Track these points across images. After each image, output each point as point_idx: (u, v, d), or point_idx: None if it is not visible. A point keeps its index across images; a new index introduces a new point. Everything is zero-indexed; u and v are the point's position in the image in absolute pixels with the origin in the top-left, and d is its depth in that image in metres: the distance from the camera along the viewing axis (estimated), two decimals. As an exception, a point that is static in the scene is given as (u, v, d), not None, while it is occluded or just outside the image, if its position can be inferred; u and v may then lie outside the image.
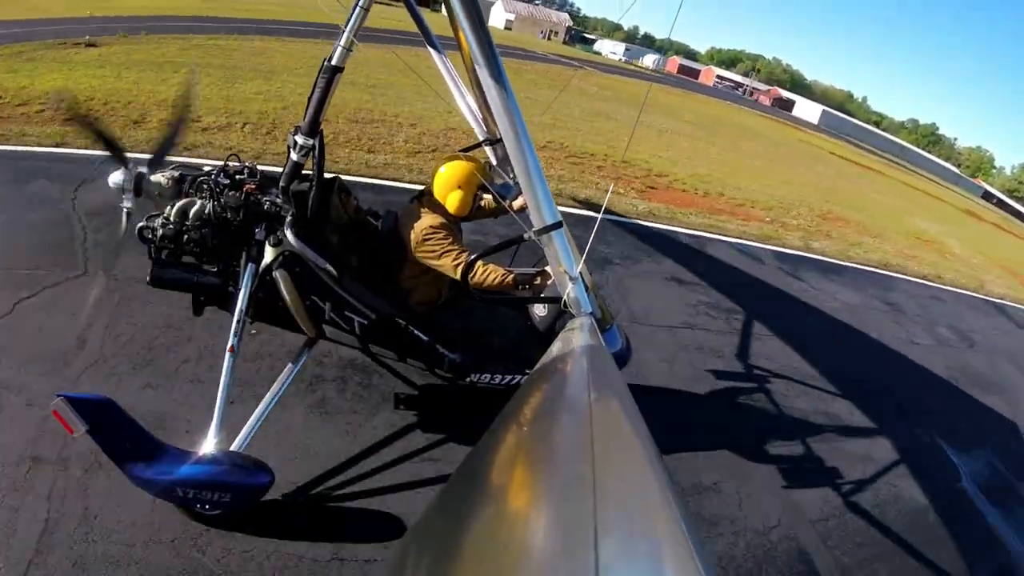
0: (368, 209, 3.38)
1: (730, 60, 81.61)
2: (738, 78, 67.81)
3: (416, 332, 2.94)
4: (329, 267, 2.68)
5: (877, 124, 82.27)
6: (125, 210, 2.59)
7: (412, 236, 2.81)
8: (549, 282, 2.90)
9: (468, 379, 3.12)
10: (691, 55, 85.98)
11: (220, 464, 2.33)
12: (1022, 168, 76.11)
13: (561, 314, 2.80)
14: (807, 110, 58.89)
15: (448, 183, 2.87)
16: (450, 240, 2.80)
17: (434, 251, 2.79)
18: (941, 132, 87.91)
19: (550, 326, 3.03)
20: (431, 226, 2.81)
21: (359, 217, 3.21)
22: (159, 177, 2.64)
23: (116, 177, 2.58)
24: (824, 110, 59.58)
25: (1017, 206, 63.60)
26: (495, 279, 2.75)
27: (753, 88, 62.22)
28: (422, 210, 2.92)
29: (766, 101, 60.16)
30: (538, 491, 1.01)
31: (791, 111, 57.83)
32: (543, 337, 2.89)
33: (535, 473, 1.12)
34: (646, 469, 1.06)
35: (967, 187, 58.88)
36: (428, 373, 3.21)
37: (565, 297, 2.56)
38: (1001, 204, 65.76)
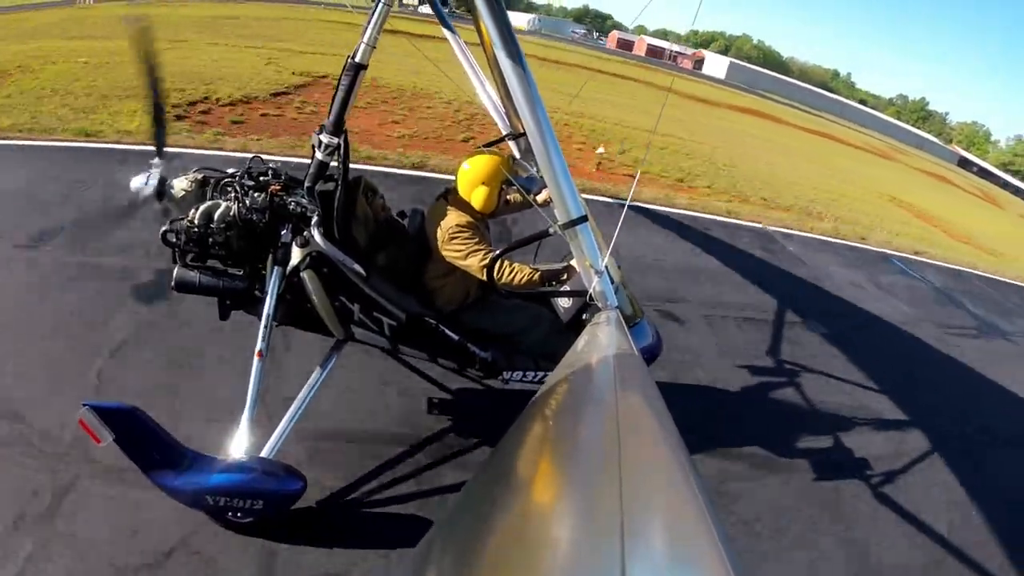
0: (396, 209, 3.37)
1: (706, 40, 78.08)
2: (664, 44, 69.48)
3: (446, 332, 2.96)
4: (357, 267, 2.69)
5: (863, 103, 78.51)
6: (142, 199, 2.61)
7: (439, 235, 2.82)
8: (574, 276, 2.88)
9: (500, 377, 3.15)
10: (663, 35, 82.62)
11: (251, 471, 2.30)
12: (1018, 140, 71.46)
13: (586, 306, 2.82)
14: (715, 66, 59.45)
15: (473, 179, 2.87)
16: (476, 240, 2.82)
17: (460, 251, 2.81)
18: (932, 108, 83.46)
19: (574, 318, 2.98)
20: (457, 225, 2.82)
21: (386, 216, 3.18)
22: (182, 181, 2.68)
23: (138, 181, 2.62)
24: (731, 62, 59.52)
25: (1009, 178, 59.59)
26: (521, 278, 2.79)
27: (676, 53, 64.39)
28: (448, 208, 2.93)
29: (688, 64, 61.94)
30: (564, 488, 1.01)
31: (701, 70, 59.33)
32: (573, 333, 2.76)
33: (561, 470, 1.11)
34: (674, 467, 1.05)
35: (939, 154, 58.40)
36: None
37: (591, 291, 2.59)
38: (985, 174, 61.83)
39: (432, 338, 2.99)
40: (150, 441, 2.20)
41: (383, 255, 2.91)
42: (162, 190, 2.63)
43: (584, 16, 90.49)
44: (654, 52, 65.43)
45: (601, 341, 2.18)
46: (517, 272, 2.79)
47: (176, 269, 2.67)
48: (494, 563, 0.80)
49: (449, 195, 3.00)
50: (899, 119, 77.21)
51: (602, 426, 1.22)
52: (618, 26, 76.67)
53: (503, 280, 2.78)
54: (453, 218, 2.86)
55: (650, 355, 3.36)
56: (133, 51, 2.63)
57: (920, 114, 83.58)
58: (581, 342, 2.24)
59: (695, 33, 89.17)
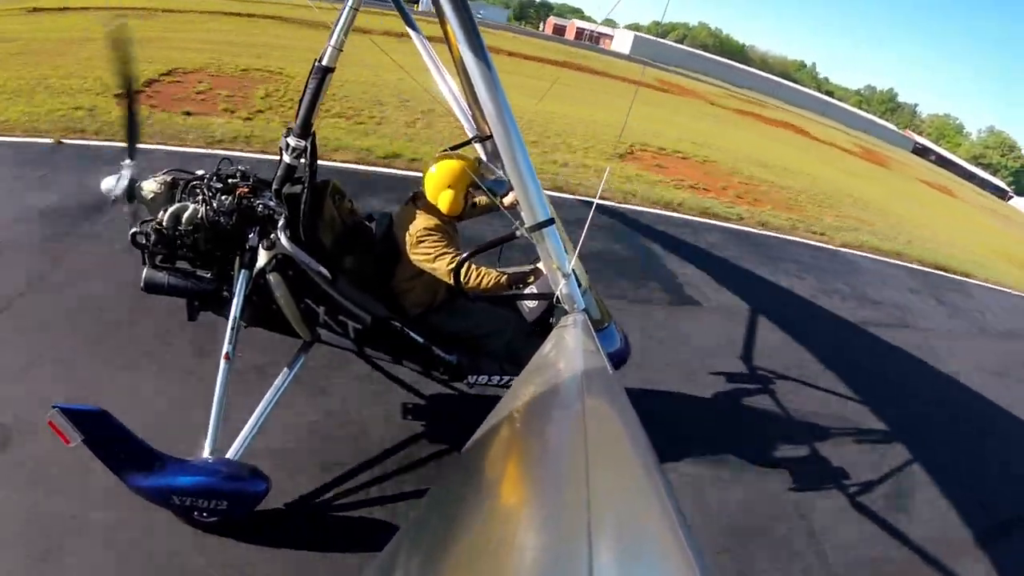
0: (363, 212, 3.41)
1: (665, 31, 73.90)
2: (587, 26, 71.30)
3: (412, 335, 3.00)
4: (323, 270, 2.73)
5: (830, 94, 73.74)
6: (113, 199, 2.67)
7: (407, 239, 2.87)
8: (541, 278, 2.97)
9: (466, 380, 3.18)
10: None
11: (216, 472, 2.37)
12: (989, 133, 66.73)
13: (552, 308, 2.90)
14: (622, 42, 59.56)
15: (439, 183, 2.89)
16: (444, 243, 2.85)
17: (428, 254, 2.84)
18: (902, 101, 78.96)
19: (539, 319, 3.09)
20: (425, 228, 2.87)
21: (353, 220, 3.22)
22: (151, 183, 2.71)
23: (108, 183, 2.65)
24: (636, 36, 58.88)
25: (977, 170, 55.01)
26: (488, 281, 2.84)
27: (600, 34, 65.04)
28: (417, 212, 2.97)
29: (608, 44, 62.55)
30: (532, 490, 1.03)
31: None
32: (540, 336, 2.80)
33: (529, 472, 1.14)
34: (640, 468, 1.07)
35: (890, 139, 57.36)
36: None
37: (558, 293, 2.63)
38: (944, 162, 57.21)
39: (397, 341, 3.02)
40: (119, 442, 2.24)
41: (350, 258, 2.94)
42: (132, 191, 2.66)
43: (529, 5, 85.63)
44: (579, 35, 66.91)
45: (568, 344, 2.22)
46: (484, 276, 2.84)
47: (145, 270, 2.71)
48: (464, 565, 0.81)
49: (417, 199, 3.03)
50: (861, 109, 72.02)
51: (569, 430, 1.25)
52: (560, 13, 72.53)
53: (470, 283, 2.82)
54: (421, 221, 2.90)
55: (619, 359, 3.41)
56: (110, 52, 2.63)
57: (888, 105, 79.30)
58: (548, 345, 2.29)
59: (656, 24, 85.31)
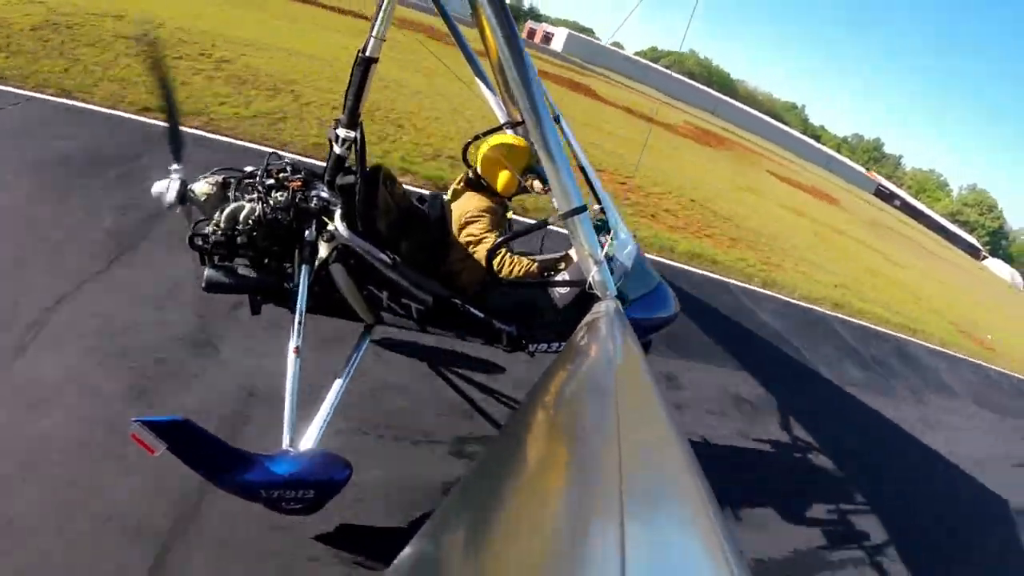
0: (415, 195, 3.51)
1: (656, 57, 74.01)
2: (541, 26, 68.83)
3: (472, 311, 3.05)
4: (384, 256, 2.79)
5: (817, 138, 73.37)
6: (168, 206, 2.70)
7: (456, 219, 2.99)
8: (572, 265, 3.06)
9: (527, 350, 3.29)
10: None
11: (300, 463, 2.42)
12: (971, 190, 66.24)
13: (584, 294, 2.92)
14: (559, 40, 58.61)
15: (497, 162, 3.02)
16: (489, 227, 2.96)
17: (473, 236, 2.96)
18: (888, 151, 78.87)
19: (571, 304, 3.08)
20: (475, 209, 2.99)
21: (406, 203, 3.30)
22: (202, 184, 2.76)
23: (159, 186, 2.69)
24: (569, 34, 58.10)
25: (953, 227, 54.54)
26: (519, 269, 2.92)
27: (551, 34, 63.14)
28: (468, 192, 3.12)
29: (542, 40, 62.42)
30: (565, 478, 1.04)
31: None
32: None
33: (561, 459, 1.15)
34: (674, 456, 1.07)
35: (848, 176, 57.12)
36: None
37: (590, 280, 2.73)
38: (913, 212, 56.67)
39: (459, 318, 3.07)
40: (202, 446, 2.30)
41: (406, 242, 3.01)
42: (184, 194, 2.70)
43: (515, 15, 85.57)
44: (531, 35, 66.41)
45: (601, 331, 2.23)
46: (515, 264, 2.92)
47: (205, 271, 2.76)
48: (498, 546, 0.82)
49: (469, 179, 3.16)
50: (844, 155, 71.61)
51: (601, 416, 1.26)
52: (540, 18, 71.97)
53: (503, 271, 2.91)
54: (471, 203, 3.02)
55: (671, 318, 3.60)
56: (145, 66, 2.80)
57: (873, 154, 78.79)
58: (580, 332, 2.32)
59: (654, 49, 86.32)
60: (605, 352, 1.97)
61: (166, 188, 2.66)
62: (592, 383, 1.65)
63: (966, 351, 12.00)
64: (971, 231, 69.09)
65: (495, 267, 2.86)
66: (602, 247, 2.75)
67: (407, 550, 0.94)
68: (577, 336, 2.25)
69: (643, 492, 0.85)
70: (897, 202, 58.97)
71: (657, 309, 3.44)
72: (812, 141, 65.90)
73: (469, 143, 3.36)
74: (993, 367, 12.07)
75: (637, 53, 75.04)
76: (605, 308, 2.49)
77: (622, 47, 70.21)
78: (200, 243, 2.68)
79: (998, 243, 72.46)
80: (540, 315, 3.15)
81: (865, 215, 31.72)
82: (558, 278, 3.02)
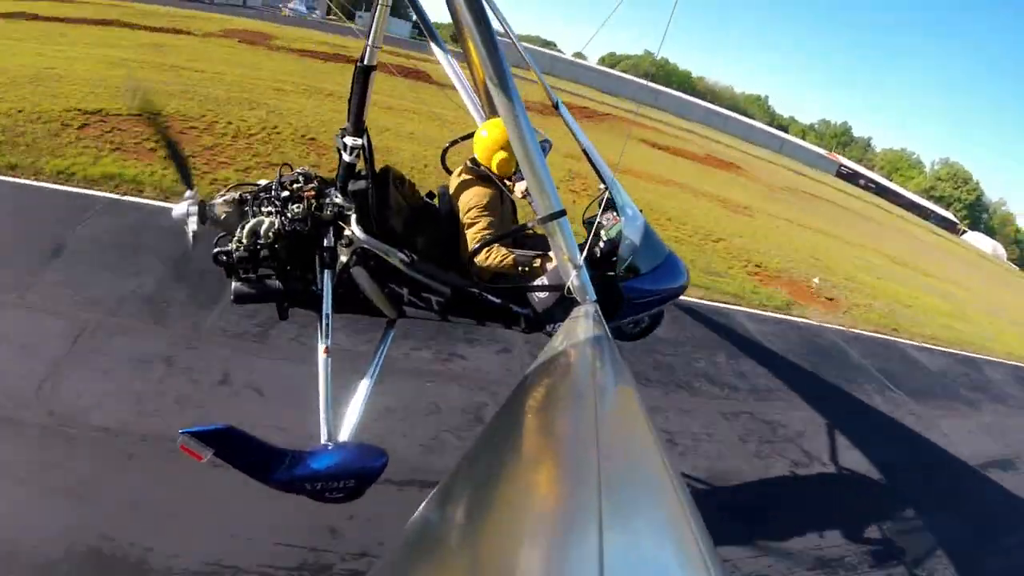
0: (425, 191, 3.64)
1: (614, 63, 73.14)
2: None
3: (489, 298, 3.16)
4: (401, 255, 2.90)
5: (784, 128, 71.59)
6: (191, 234, 2.82)
7: (461, 210, 3.09)
8: (549, 266, 3.16)
9: (544, 331, 3.36)
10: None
11: (340, 456, 2.56)
12: (943, 165, 63.34)
13: (562, 299, 3.02)
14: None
15: (491, 144, 3.09)
16: (489, 217, 3.07)
17: (467, 225, 3.07)
18: (859, 134, 76.49)
19: (549, 309, 3.24)
20: (474, 198, 3.09)
21: (417, 201, 3.43)
22: (220, 202, 2.88)
23: (179, 210, 2.80)
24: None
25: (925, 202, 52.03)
26: (498, 260, 3.05)
27: None
28: (466, 180, 3.18)
29: None
30: (543, 482, 1.04)
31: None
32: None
33: (540, 464, 1.15)
34: (651, 459, 1.09)
35: (808, 160, 54.29)
36: None
37: (569, 284, 2.77)
38: (879, 189, 53.84)
39: (477, 305, 3.18)
40: (246, 450, 2.41)
41: (421, 238, 3.10)
42: (204, 213, 2.82)
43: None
44: None
45: (579, 335, 2.27)
46: (495, 254, 3.04)
47: (233, 284, 2.89)
48: (476, 549, 0.82)
49: (469, 167, 3.23)
50: (811, 141, 69.26)
51: (581, 421, 1.25)
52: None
53: (486, 263, 3.05)
54: (473, 190, 3.12)
55: (683, 287, 3.75)
56: (138, 112, 2.98)
57: (841, 139, 76.35)
58: (559, 337, 2.36)
59: (612, 55, 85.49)
60: (584, 356, 2.01)
61: (186, 211, 2.77)
62: (571, 386, 1.69)
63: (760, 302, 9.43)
64: (947, 206, 65.84)
65: (481, 257, 3.02)
66: (610, 223, 3.15)
67: (390, 550, 1.01)
68: (557, 339, 2.30)
69: (621, 494, 0.85)
70: (862, 181, 56.29)
71: (668, 280, 3.56)
72: (774, 130, 63.57)
73: (447, 148, 3.62)
74: (803, 320, 9.46)
75: (599, 61, 74.32)
76: (584, 312, 2.58)
77: (584, 57, 69.01)
78: (224, 259, 2.80)
79: (978, 216, 69.01)
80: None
81: (775, 181, 29.83)
82: (539, 281, 3.16)
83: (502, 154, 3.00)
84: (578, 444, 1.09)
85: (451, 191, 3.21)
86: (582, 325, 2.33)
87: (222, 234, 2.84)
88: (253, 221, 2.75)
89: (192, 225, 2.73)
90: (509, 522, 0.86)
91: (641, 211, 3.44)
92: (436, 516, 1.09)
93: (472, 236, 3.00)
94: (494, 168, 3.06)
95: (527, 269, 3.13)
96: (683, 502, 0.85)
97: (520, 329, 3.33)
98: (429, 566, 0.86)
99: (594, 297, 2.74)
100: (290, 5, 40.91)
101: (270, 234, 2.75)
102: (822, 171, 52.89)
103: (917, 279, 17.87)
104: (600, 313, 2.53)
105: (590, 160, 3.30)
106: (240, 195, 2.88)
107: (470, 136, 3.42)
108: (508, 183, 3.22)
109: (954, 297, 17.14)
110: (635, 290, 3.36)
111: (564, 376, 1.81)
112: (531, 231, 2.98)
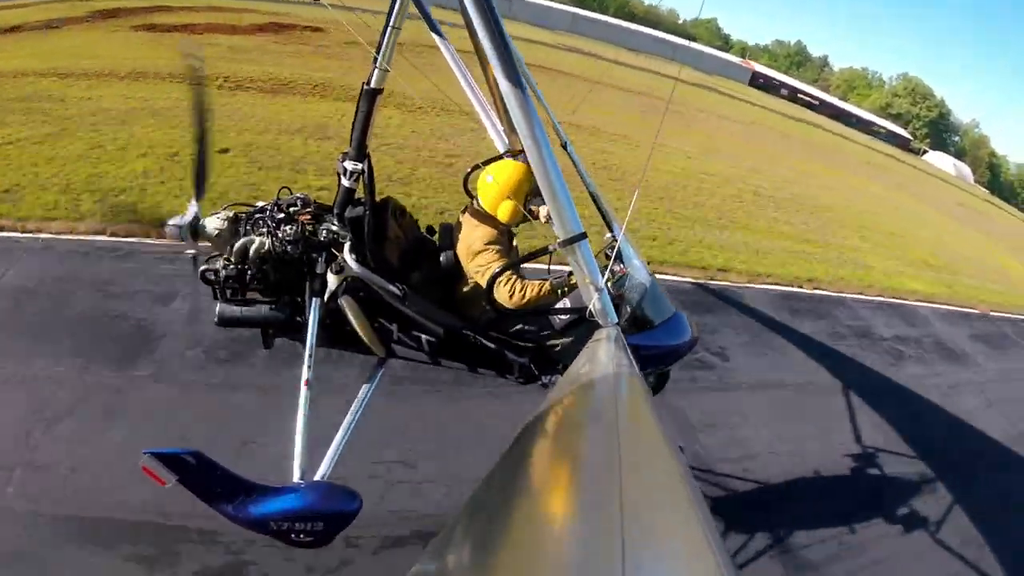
0: (425, 226, 3.52)
1: None
2: None
3: (484, 342, 3.07)
4: (393, 288, 2.81)
5: (727, 48, 65.93)
6: (192, 255, 2.78)
7: (465, 250, 2.97)
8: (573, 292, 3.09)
9: (540, 382, 3.29)
10: None
11: (309, 495, 2.47)
12: (902, 80, 57.61)
13: (582, 320, 2.93)
14: None
15: (499, 193, 2.94)
16: (498, 258, 2.94)
17: (481, 268, 2.95)
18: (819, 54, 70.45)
19: (568, 327, 3.17)
20: (481, 239, 2.96)
21: (416, 235, 3.33)
22: (215, 220, 2.79)
23: (174, 223, 2.71)
24: None
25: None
26: (532, 292, 2.86)
27: None
28: (472, 221, 3.08)
29: None
30: (565, 505, 1.03)
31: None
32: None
33: (564, 485, 1.15)
34: (673, 482, 1.08)
35: (725, 72, 49.25)
36: None
37: (590, 308, 2.70)
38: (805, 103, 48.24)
39: (471, 350, 3.09)
40: (212, 479, 2.32)
41: (416, 274, 3.02)
42: (196, 229, 2.73)
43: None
44: None
45: (601, 359, 2.25)
46: (528, 287, 2.87)
47: (218, 305, 2.80)
48: (499, 572, 0.82)
49: (474, 207, 3.12)
50: (764, 63, 62.86)
51: (603, 445, 1.24)
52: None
53: (513, 297, 2.86)
54: (479, 232, 2.99)
55: (691, 345, 3.57)
56: (189, 93, 2.76)
57: (795, 59, 70.27)
58: (582, 360, 2.34)
59: None
60: (606, 379, 1.97)
61: (180, 223, 2.70)
62: (593, 410, 1.67)
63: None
64: (906, 124, 60.37)
65: (507, 294, 2.86)
66: (615, 275, 2.97)
67: (413, 570, 0.97)
68: (579, 363, 2.28)
69: (644, 521, 0.84)
70: (784, 91, 50.32)
71: (674, 337, 3.43)
72: (709, 49, 57.08)
73: (470, 172, 3.38)
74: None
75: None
76: (607, 335, 2.54)
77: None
78: (211, 277, 2.75)
79: (942, 136, 63.77)
80: (547, 341, 3.15)
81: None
82: (562, 302, 3.08)
83: (509, 204, 2.92)
84: (600, 467, 1.08)
85: (455, 228, 3.15)
86: (604, 348, 2.30)
87: (213, 253, 2.80)
88: (244, 240, 2.72)
89: (184, 236, 2.68)
90: (532, 543, 0.87)
91: (648, 263, 3.42)
92: (463, 532, 1.10)
93: (486, 269, 2.87)
94: (501, 218, 2.97)
95: (565, 289, 2.93)
96: (707, 532, 0.84)
97: (514, 379, 3.28)
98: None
99: (615, 320, 2.68)
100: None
101: (259, 254, 2.70)
102: (736, 80, 49.29)
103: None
104: (623, 337, 2.50)
105: (598, 206, 3.24)
106: (235, 214, 2.83)
107: (495, 160, 3.31)
108: (533, 208, 3.05)
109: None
110: (638, 346, 3.15)
111: (587, 398, 1.79)
112: (551, 253, 2.82)
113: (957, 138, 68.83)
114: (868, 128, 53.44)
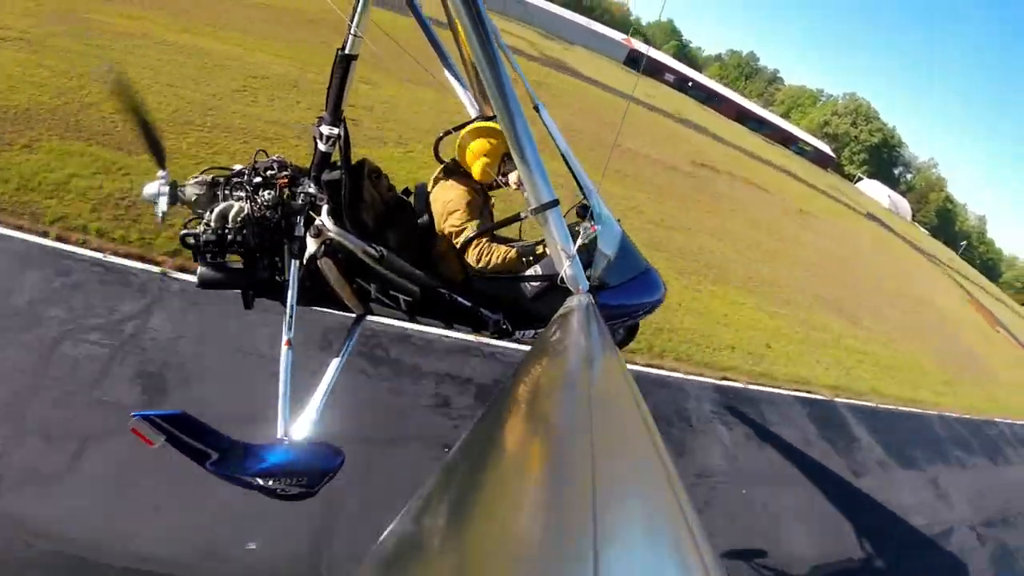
0: (400, 188, 3.63)
1: None
2: None
3: (459, 300, 3.17)
4: (371, 249, 2.90)
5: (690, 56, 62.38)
6: (160, 215, 2.77)
7: (438, 209, 3.10)
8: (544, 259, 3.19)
9: (514, 337, 3.41)
10: None
11: (293, 451, 2.55)
12: (848, 99, 54.26)
13: (549, 297, 3.05)
14: None
15: (476, 150, 3.08)
16: (470, 217, 3.05)
17: (454, 227, 3.05)
18: (773, 68, 67.15)
19: (539, 294, 3.21)
20: (455, 198, 3.08)
21: (392, 196, 3.39)
22: (192, 184, 2.86)
23: (150, 189, 2.77)
24: None
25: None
26: (497, 257, 3.01)
27: None
28: (447, 181, 3.21)
29: None
30: (538, 472, 1.04)
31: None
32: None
33: (535, 454, 1.14)
34: (646, 451, 1.07)
35: (605, 50, 47.11)
36: None
37: (562, 274, 2.77)
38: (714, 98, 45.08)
39: (446, 307, 3.18)
40: (199, 438, 2.39)
41: (393, 234, 3.08)
42: (175, 195, 2.79)
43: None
44: None
45: (573, 326, 2.26)
46: (493, 252, 3.00)
47: (199, 268, 2.86)
48: (471, 541, 0.81)
49: (449, 168, 3.24)
50: (711, 73, 59.70)
51: (575, 415, 1.25)
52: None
53: (480, 261, 3.00)
54: (453, 192, 3.11)
55: (657, 303, 3.66)
56: (114, 97, 2.79)
57: (744, 69, 67.07)
58: (553, 327, 2.35)
59: None
60: (578, 347, 2.00)
61: (157, 191, 2.74)
62: (565, 377, 1.69)
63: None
64: (843, 146, 56.84)
65: (475, 257, 3.00)
66: (586, 233, 2.90)
67: (383, 539, 0.95)
68: (550, 330, 2.31)
69: (616, 486, 0.84)
70: (671, 77, 46.29)
71: (644, 293, 3.52)
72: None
73: (440, 137, 3.42)
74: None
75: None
76: (578, 302, 2.57)
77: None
78: (192, 242, 2.80)
79: (886, 164, 60.30)
80: (521, 303, 3.23)
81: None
82: (532, 269, 3.14)
83: (484, 160, 3.05)
84: (573, 434, 1.10)
85: (430, 189, 3.26)
86: (576, 316, 2.32)
87: (192, 217, 2.86)
88: (223, 205, 2.78)
89: (162, 205, 2.71)
90: (505, 512, 0.86)
91: (619, 220, 3.43)
92: (434, 501, 1.07)
93: (458, 233, 3.00)
94: (475, 174, 3.11)
95: (531, 258, 3.10)
96: (680, 495, 0.85)
97: (489, 334, 3.40)
98: (429, 548, 0.86)
99: (587, 287, 2.78)
100: None
101: (239, 219, 2.77)
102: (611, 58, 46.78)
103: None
104: (594, 304, 2.56)
105: (568, 165, 3.24)
106: (212, 178, 2.88)
107: (463, 126, 3.32)
108: (500, 177, 3.21)
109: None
110: (609, 302, 3.31)
111: (558, 368, 1.79)
112: (523, 220, 2.88)
113: (910, 175, 65.90)
114: (784, 138, 49.92)
